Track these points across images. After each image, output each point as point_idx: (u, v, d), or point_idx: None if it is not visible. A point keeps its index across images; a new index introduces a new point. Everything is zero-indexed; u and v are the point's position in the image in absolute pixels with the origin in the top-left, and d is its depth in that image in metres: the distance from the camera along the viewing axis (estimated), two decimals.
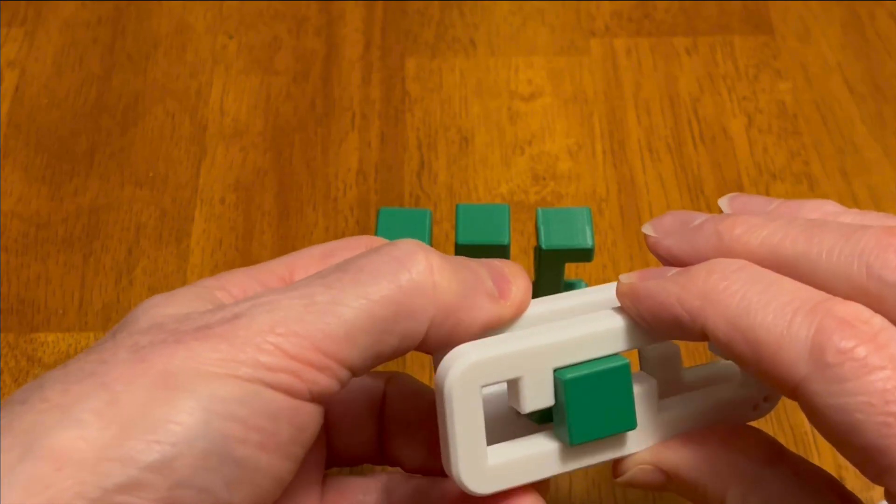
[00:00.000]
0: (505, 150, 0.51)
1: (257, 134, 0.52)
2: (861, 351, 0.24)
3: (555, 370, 0.28)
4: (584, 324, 0.29)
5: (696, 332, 0.27)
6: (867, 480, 0.26)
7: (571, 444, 0.28)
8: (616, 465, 0.30)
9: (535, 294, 0.40)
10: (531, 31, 0.56)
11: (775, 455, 0.29)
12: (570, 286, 0.43)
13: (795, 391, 0.25)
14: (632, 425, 0.28)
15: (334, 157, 0.51)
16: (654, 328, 0.28)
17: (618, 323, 0.29)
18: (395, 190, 0.50)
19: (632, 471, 0.30)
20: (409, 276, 0.27)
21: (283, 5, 0.57)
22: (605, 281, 0.46)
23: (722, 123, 0.52)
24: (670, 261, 0.30)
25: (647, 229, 0.30)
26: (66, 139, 0.52)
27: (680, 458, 0.29)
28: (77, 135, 0.52)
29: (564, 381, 0.28)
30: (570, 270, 0.46)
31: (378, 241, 0.31)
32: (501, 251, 0.38)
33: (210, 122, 0.52)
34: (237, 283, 0.30)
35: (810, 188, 0.49)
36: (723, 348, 0.27)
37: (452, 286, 0.28)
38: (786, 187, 0.49)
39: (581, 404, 0.28)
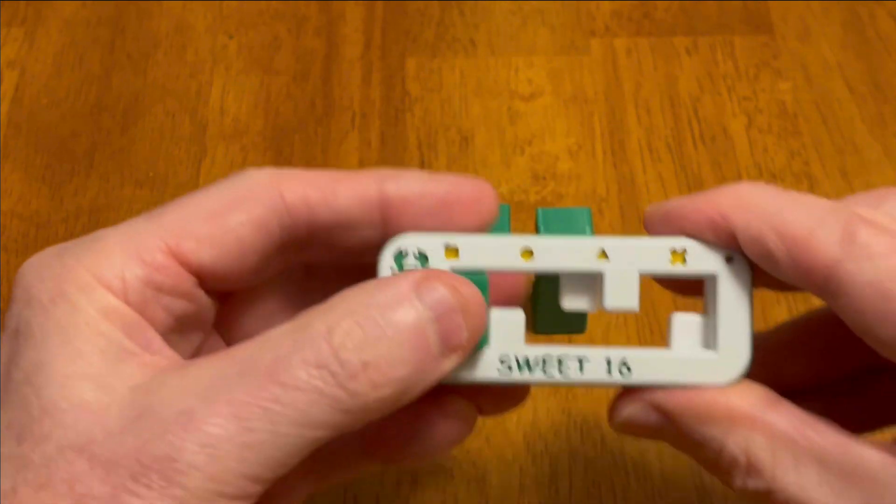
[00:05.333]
0: (505, 149, 0.51)
1: (257, 134, 0.52)
2: (889, 236, 0.26)
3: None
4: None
5: (726, 234, 0.28)
6: None
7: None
8: (612, 408, 0.30)
9: (536, 295, 0.40)
10: (531, 31, 0.56)
11: (773, 399, 0.28)
12: None
13: (827, 276, 0.26)
14: (482, 341, 0.28)
15: (334, 157, 0.51)
16: (686, 233, 0.29)
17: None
18: None
19: (628, 410, 0.29)
20: None
21: (283, 5, 0.57)
22: None
23: (722, 123, 0.52)
24: None
25: None
26: (66, 139, 0.52)
27: (677, 401, 0.28)
28: (77, 135, 0.52)
29: None
30: None
31: None
32: None
33: (210, 122, 0.52)
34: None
35: (810, 188, 0.49)
36: (752, 245, 0.28)
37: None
38: (786, 187, 0.49)
39: None
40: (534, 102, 0.53)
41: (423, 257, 0.29)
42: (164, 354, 0.27)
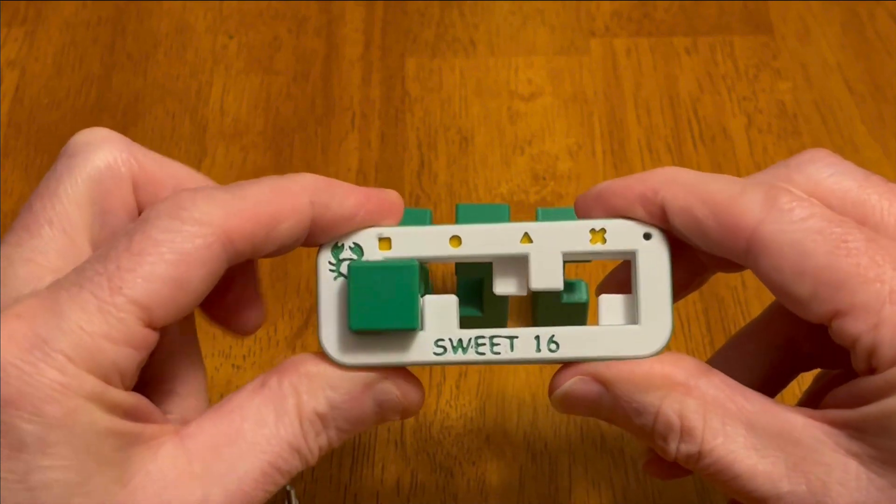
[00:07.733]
0: (505, 149, 0.51)
1: (257, 134, 0.52)
2: (807, 202, 0.28)
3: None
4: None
5: (656, 206, 0.29)
6: None
7: (351, 329, 0.29)
8: (551, 384, 0.31)
9: (536, 295, 0.40)
10: (531, 31, 0.56)
11: (705, 369, 0.29)
12: (570, 286, 0.43)
13: (750, 238, 0.28)
14: (413, 324, 0.29)
15: (334, 157, 0.51)
16: (618, 210, 0.30)
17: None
18: (395, 190, 0.50)
19: (568, 382, 0.30)
20: None
21: (283, 5, 0.57)
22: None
23: (722, 123, 0.52)
24: None
25: None
26: (67, 139, 0.52)
27: (616, 370, 0.29)
28: None
29: (350, 267, 0.29)
30: (571, 270, 0.46)
31: None
32: None
33: (210, 122, 0.53)
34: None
35: None
36: (681, 215, 0.29)
37: None
38: None
39: (362, 292, 0.29)
40: (534, 102, 0.53)
41: (358, 248, 0.30)
42: (159, 419, 0.29)
